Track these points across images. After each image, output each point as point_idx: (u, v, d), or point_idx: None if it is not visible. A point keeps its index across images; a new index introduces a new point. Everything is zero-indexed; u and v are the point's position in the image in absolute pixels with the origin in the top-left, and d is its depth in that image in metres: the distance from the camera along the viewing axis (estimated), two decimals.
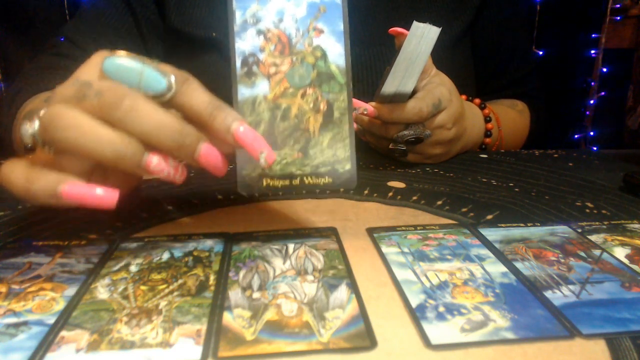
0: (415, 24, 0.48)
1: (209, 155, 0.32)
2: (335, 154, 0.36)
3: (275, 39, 0.36)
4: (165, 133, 0.30)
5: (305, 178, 0.36)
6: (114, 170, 0.33)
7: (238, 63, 0.36)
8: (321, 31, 0.36)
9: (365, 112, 0.53)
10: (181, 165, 0.32)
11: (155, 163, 0.31)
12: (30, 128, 0.31)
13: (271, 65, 0.36)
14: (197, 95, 0.32)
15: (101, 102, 0.30)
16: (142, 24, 0.69)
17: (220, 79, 0.67)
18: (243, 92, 0.36)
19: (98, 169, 0.33)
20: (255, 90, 0.36)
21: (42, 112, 0.30)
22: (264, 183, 0.36)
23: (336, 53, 0.37)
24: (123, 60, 0.31)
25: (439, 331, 0.27)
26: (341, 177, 0.37)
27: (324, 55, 0.36)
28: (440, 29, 0.49)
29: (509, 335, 0.27)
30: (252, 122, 0.35)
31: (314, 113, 0.36)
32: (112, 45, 0.67)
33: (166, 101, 0.32)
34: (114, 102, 0.30)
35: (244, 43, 0.36)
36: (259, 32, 0.36)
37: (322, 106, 0.36)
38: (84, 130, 0.29)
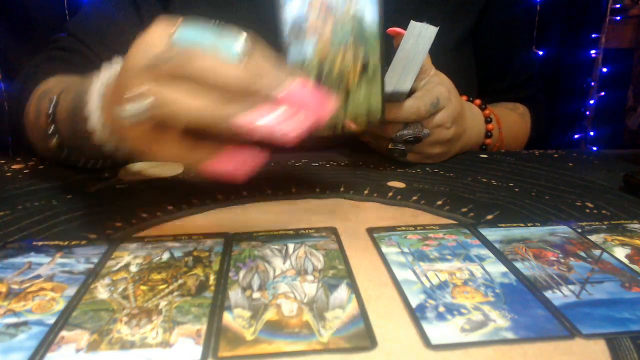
0: (412, 23, 0.48)
1: (294, 95, 0.30)
2: (369, 103, 0.45)
3: (318, 4, 0.42)
4: (248, 80, 0.29)
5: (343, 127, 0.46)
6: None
7: (288, 27, 0.41)
8: None
9: None
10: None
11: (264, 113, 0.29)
12: (134, 108, 0.29)
13: (316, 29, 0.42)
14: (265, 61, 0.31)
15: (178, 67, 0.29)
16: (146, 20, 0.68)
17: None
18: (293, 53, 0.42)
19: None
20: (303, 52, 0.42)
21: (135, 92, 0.29)
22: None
23: (371, 17, 0.43)
24: (195, 31, 0.31)
25: (439, 331, 0.27)
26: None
27: (361, 19, 0.42)
28: (438, 28, 0.49)
29: (509, 335, 0.27)
30: None
31: (353, 71, 0.43)
32: (116, 41, 0.67)
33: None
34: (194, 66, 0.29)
35: (292, 9, 0.42)
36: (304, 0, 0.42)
37: (359, 65, 0.43)
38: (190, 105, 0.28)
